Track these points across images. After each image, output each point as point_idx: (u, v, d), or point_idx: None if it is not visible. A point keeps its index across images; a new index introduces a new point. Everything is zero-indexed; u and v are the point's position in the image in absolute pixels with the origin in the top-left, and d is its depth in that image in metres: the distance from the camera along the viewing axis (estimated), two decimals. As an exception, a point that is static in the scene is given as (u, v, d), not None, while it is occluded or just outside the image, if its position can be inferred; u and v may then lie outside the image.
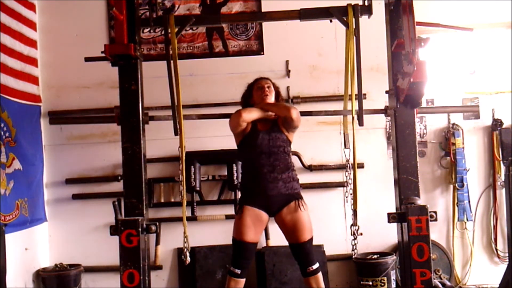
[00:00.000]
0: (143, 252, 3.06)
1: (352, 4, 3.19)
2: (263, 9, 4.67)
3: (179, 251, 4.62)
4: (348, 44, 3.17)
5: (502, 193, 4.61)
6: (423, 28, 3.78)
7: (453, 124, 4.74)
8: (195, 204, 4.51)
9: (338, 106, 4.38)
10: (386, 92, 3.39)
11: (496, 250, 4.73)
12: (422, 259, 3.05)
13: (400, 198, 3.21)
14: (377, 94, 4.16)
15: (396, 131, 3.26)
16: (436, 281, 4.08)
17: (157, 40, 4.76)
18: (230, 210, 4.58)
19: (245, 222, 3.37)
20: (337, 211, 4.68)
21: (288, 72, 4.74)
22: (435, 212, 3.12)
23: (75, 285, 4.32)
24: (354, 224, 3.18)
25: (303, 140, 4.47)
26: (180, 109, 3.14)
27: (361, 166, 4.56)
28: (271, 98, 3.55)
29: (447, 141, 4.74)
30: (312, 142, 4.70)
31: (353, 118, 3.25)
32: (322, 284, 3.43)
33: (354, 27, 3.14)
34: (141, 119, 3.18)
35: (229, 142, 3.79)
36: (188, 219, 3.89)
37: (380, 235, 4.44)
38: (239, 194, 4.29)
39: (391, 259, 4.30)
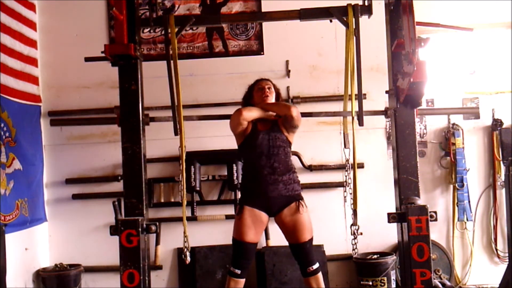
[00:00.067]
0: (143, 252, 3.06)
1: (352, 4, 3.19)
2: (263, 9, 4.67)
3: (179, 251, 4.62)
4: (348, 44, 3.17)
5: (502, 193, 4.61)
6: (423, 28, 3.78)
7: (453, 124, 4.74)
8: (195, 204, 4.51)
9: (338, 106, 4.38)
10: (386, 92, 3.39)
11: (496, 250, 4.73)
12: (422, 259, 3.05)
13: (400, 198, 3.22)
14: (377, 94, 4.16)
15: (396, 131, 3.26)
16: (436, 281, 4.08)
17: (157, 40, 4.76)
18: (230, 210, 4.58)
19: (245, 222, 3.37)
20: (337, 211, 4.67)
21: (288, 72, 4.74)
22: (435, 212, 3.13)
23: (75, 285, 4.31)
24: (354, 224, 3.19)
25: (303, 140, 4.47)
26: (180, 109, 3.14)
27: (361, 166, 4.56)
28: (271, 99, 3.55)
29: (447, 141, 4.74)
30: (312, 142, 4.70)
31: (353, 118, 3.25)
32: (322, 284, 3.43)
33: (354, 27, 3.14)
34: (141, 119, 3.18)
35: (229, 142, 3.79)
36: (188, 219, 3.88)
37: (380, 235, 4.44)
38: (239, 194, 4.29)
39: (391, 259, 4.30)
